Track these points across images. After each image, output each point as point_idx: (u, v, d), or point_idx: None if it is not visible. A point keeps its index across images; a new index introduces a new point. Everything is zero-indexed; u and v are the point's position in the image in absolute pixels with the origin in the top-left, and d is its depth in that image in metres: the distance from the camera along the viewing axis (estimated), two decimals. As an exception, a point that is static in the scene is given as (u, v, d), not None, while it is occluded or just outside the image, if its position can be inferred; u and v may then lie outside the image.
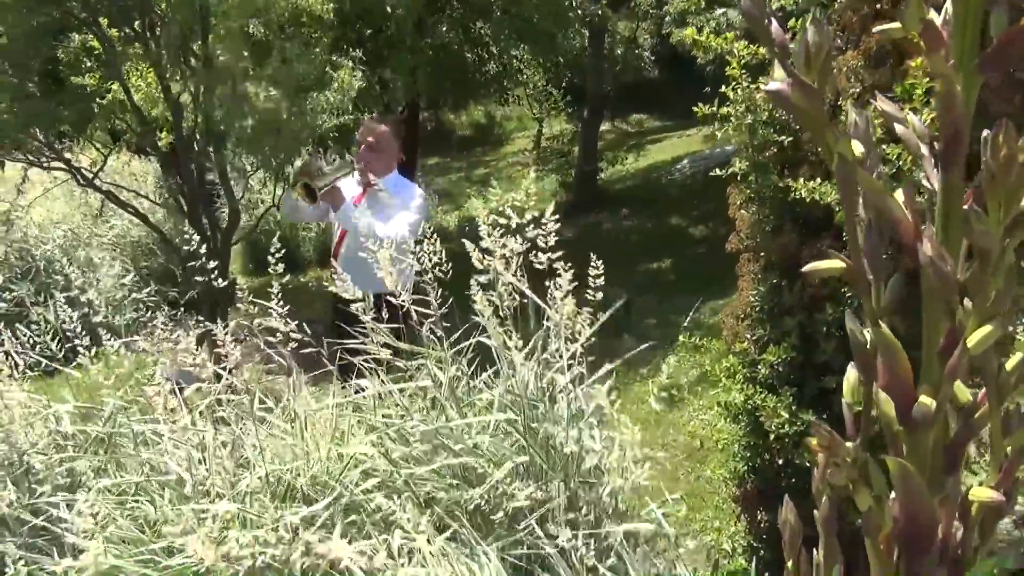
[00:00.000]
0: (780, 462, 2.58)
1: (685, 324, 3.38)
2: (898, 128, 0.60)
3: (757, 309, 2.54)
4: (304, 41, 4.67)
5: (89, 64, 4.97)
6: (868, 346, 0.65)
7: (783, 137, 2.16)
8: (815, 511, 0.73)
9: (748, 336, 2.58)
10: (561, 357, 1.80)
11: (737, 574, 2.33)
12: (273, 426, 1.90)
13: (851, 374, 0.66)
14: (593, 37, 9.19)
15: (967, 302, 0.60)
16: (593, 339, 1.95)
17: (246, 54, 4.56)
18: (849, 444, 0.62)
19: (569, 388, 1.79)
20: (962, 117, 0.56)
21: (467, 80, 7.03)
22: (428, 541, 1.46)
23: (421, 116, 10.37)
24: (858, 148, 0.61)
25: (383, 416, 1.85)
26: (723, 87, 2.18)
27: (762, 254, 2.42)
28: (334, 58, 5.09)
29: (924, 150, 0.62)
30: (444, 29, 6.23)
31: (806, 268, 0.61)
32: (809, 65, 0.57)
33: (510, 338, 1.83)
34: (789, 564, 0.81)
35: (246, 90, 4.56)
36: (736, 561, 2.99)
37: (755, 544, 2.94)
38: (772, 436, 2.48)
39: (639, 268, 7.71)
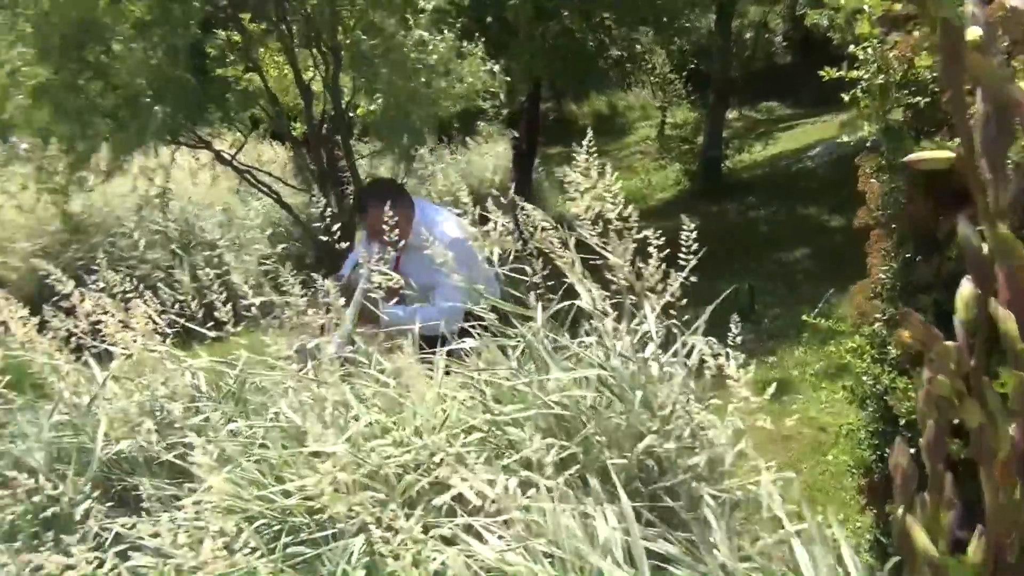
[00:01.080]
0: (912, 450, 2.42)
1: (815, 312, 3.22)
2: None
3: (888, 287, 2.38)
4: (432, 28, 4.78)
5: (232, 57, 5.31)
6: (985, 253, 0.59)
7: (918, 99, 2.02)
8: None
9: (878, 316, 2.43)
10: (647, 319, 1.77)
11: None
12: (382, 383, 1.97)
13: (965, 287, 0.61)
14: (720, 21, 8.91)
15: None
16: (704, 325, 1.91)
17: (375, 42, 4.72)
18: (950, 344, 0.57)
19: (658, 352, 1.76)
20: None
21: (588, 67, 6.97)
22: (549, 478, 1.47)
23: (543, 106, 10.42)
24: (974, 33, 0.56)
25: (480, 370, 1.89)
26: (852, 47, 2.06)
27: (894, 227, 2.27)
28: (463, 46, 5.18)
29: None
30: (565, 15, 6.21)
31: (908, 157, 0.57)
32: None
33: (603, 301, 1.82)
34: (899, 511, 0.76)
35: (374, 76, 4.73)
36: (862, 557, 2.83)
37: (883, 539, 2.77)
38: (903, 421, 2.33)
39: (767, 258, 7.43)
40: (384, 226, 2.91)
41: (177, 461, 1.92)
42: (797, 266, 7.22)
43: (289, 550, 1.65)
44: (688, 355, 1.95)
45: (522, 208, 2.32)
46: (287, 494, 1.70)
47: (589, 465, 1.71)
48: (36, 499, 1.81)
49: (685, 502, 1.71)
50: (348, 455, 1.56)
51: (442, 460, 1.62)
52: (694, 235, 1.98)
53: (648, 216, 2.04)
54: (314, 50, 5.13)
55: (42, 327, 2.26)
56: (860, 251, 2.86)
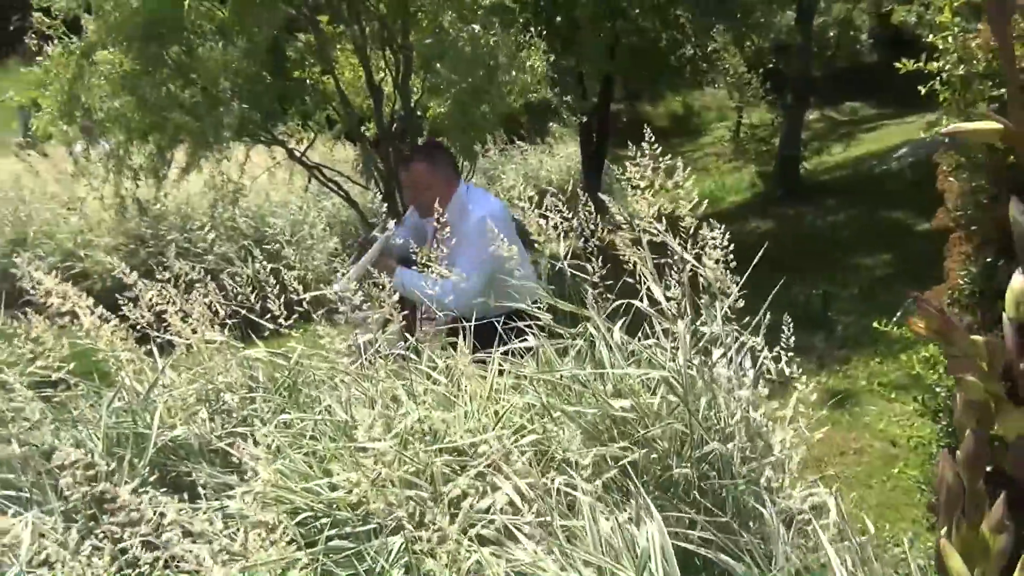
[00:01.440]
0: (988, 468, 2.27)
1: (893, 320, 3.05)
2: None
3: (967, 293, 2.24)
4: (495, 24, 4.78)
5: (311, 60, 5.42)
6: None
7: (1003, 91, 1.88)
8: None
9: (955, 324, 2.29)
10: (712, 322, 1.69)
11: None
12: (436, 381, 1.96)
13: (1017, 282, 0.54)
14: (801, 18, 8.63)
15: None
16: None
17: (441, 41, 4.74)
18: (979, 339, 0.51)
19: (724, 357, 1.68)
20: None
21: (660, 65, 6.84)
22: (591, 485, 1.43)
23: (616, 108, 10.29)
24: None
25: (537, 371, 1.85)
26: (930, 36, 1.94)
27: (975, 228, 2.13)
28: (525, 39, 5.16)
29: None
30: (636, 12, 6.12)
31: (946, 129, 0.51)
32: None
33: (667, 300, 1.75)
34: (943, 530, 0.69)
35: (440, 76, 4.76)
36: (933, 580, 2.68)
37: (957, 561, 2.61)
38: (980, 437, 2.18)
39: (845, 263, 7.15)
40: (421, 181, 2.95)
41: (231, 450, 1.96)
42: (877, 272, 6.92)
43: (332, 543, 1.65)
44: (753, 360, 1.88)
45: (585, 206, 2.28)
46: (333, 487, 1.70)
47: (645, 470, 1.65)
48: (95, 482, 1.87)
49: (743, 512, 1.64)
50: (393, 451, 1.55)
51: (491, 463, 1.59)
52: (766, 237, 1.90)
53: (720, 218, 1.98)
54: (387, 51, 5.20)
55: (122, 319, 2.35)
56: (944, 256, 2.70)
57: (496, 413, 1.82)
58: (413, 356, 2.14)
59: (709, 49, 7.41)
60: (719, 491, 1.58)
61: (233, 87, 4.55)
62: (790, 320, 1.91)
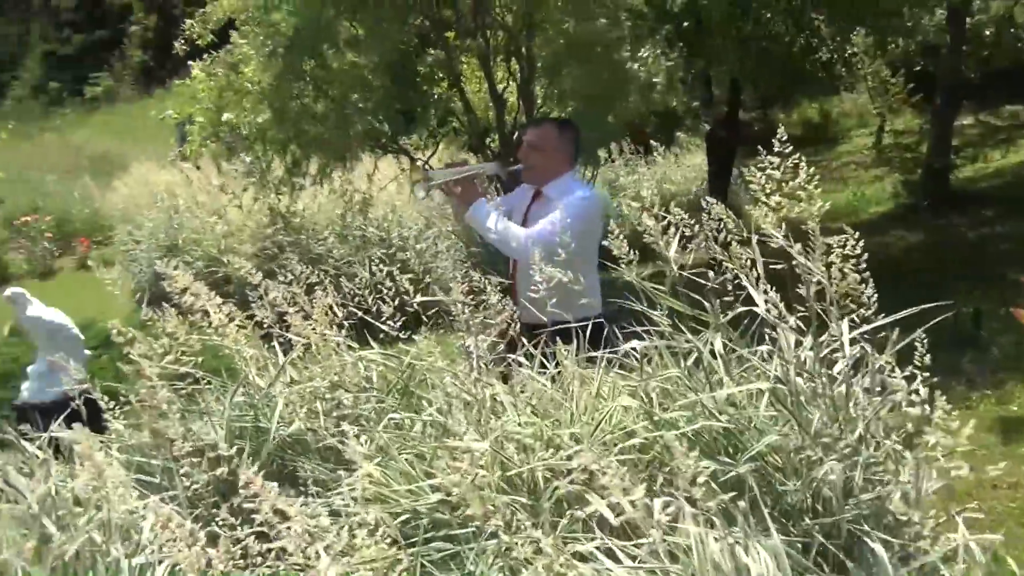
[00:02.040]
0: None
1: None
2: None
3: None
4: (624, 31, 4.73)
5: (439, 75, 5.58)
6: None
7: None
8: None
9: None
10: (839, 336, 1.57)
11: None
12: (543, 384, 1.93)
13: None
14: (953, 16, 8.02)
15: None
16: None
17: (566, 48, 4.75)
18: None
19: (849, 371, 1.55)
20: None
21: (793, 70, 6.54)
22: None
23: (746, 117, 9.96)
24: None
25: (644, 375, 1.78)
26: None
27: None
28: (658, 52, 5.08)
29: None
30: (768, 16, 5.88)
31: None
32: None
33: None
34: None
35: (564, 82, 4.77)
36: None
37: None
38: None
39: (1003, 279, 6.55)
40: (543, 143, 2.95)
41: (342, 447, 2.00)
42: (1042, 290, 6.31)
43: (432, 544, 1.65)
44: (882, 380, 1.73)
45: (708, 214, 2.21)
46: (435, 489, 1.71)
47: (754, 489, 1.56)
48: (217, 472, 1.96)
49: (862, 546, 1.51)
50: (491, 455, 1.53)
51: (590, 473, 1.55)
52: (911, 250, 1.76)
53: (860, 230, 1.85)
54: (510, 61, 5.27)
55: (248, 317, 2.48)
56: None
57: (595, 419, 1.77)
58: (522, 359, 2.12)
59: (848, 52, 7.00)
60: (834, 518, 1.46)
61: (363, 100, 4.74)
62: (926, 336, 1.75)
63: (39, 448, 1.97)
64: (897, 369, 1.72)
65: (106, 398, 2.09)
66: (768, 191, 1.82)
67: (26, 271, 9.61)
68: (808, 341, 1.70)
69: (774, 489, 1.50)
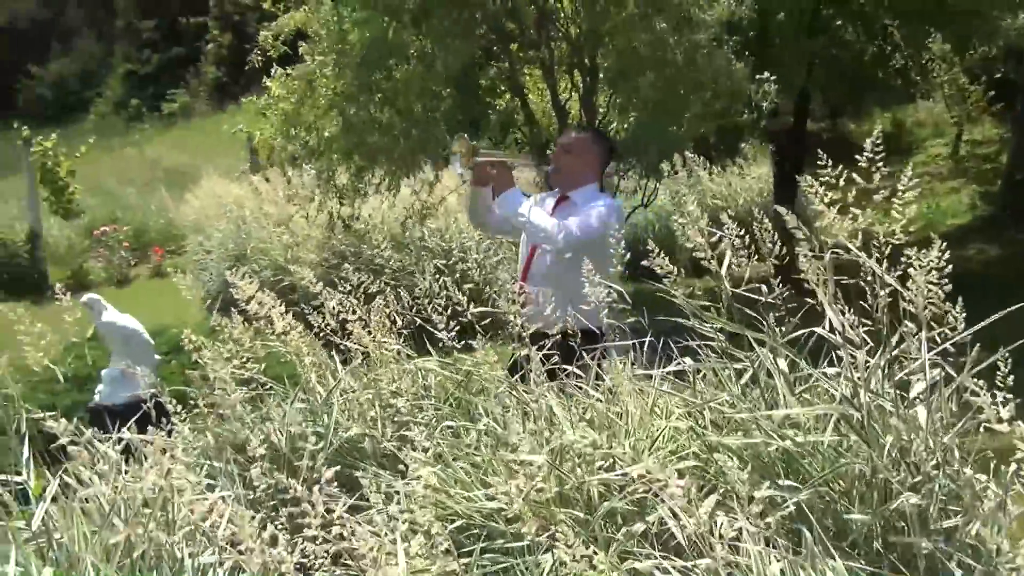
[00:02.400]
0: None
1: None
2: None
3: None
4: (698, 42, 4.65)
5: (502, 87, 5.61)
6: None
7: None
8: None
9: None
10: (919, 352, 1.50)
11: None
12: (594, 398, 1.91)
13: None
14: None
15: None
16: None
17: (631, 61, 4.70)
18: None
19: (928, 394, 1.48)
20: None
21: (865, 79, 6.34)
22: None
23: (815, 126, 9.69)
24: None
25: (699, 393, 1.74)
26: None
27: None
28: (732, 62, 4.99)
29: None
30: (838, 23, 5.72)
31: None
32: None
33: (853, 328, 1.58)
34: None
35: (627, 93, 4.72)
36: None
37: None
38: None
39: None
40: (576, 148, 2.96)
41: (399, 454, 2.01)
42: None
43: (487, 555, 1.64)
44: (962, 401, 1.65)
45: (770, 226, 2.16)
46: (490, 499, 1.70)
47: (816, 511, 1.50)
48: (277, 476, 1.99)
49: (939, 573, 1.43)
50: (546, 467, 1.52)
51: (649, 488, 1.51)
52: (991, 264, 1.68)
53: (933, 243, 1.78)
54: (574, 72, 5.25)
55: (307, 326, 2.52)
56: None
57: (650, 436, 1.73)
58: (579, 373, 2.10)
59: (924, 60, 6.75)
60: (908, 546, 1.39)
61: (428, 111, 4.79)
62: (1008, 355, 1.66)
63: (110, 450, 2.03)
64: (979, 389, 1.63)
65: (174, 401, 2.15)
66: (839, 201, 1.76)
67: (104, 279, 10.01)
68: (879, 359, 1.63)
69: (839, 514, 1.44)
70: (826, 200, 1.72)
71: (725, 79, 4.60)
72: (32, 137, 10.15)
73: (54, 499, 1.74)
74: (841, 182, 1.83)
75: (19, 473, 1.78)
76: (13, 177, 13.30)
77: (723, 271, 1.81)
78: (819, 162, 1.87)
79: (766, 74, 4.89)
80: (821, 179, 1.79)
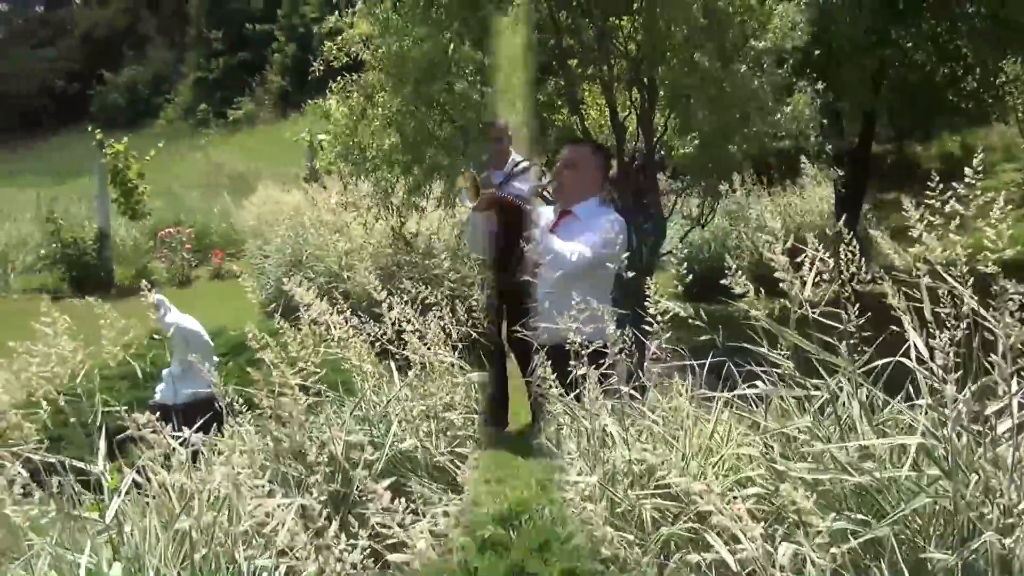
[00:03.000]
0: None
1: None
2: None
3: None
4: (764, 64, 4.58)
5: (560, 102, 5.62)
6: None
7: None
8: None
9: None
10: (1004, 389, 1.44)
11: None
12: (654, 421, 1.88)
13: None
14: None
15: None
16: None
17: (694, 78, 4.66)
18: None
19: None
20: None
21: (935, 101, 6.16)
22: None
23: (880, 149, 9.46)
24: None
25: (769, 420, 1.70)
26: None
27: None
28: (794, 83, 4.92)
29: None
30: (908, 44, 5.58)
31: None
32: None
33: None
34: None
35: (687, 114, 4.68)
36: None
37: None
38: None
39: None
40: (579, 162, 3.08)
41: (450, 467, 2.03)
42: None
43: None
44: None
45: (847, 247, 2.12)
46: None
47: (889, 551, 1.44)
48: (333, 483, 2.02)
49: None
50: (598, 488, 1.50)
51: (702, 516, 1.49)
52: None
53: (1009, 272, 1.74)
54: (632, 90, 5.23)
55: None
56: None
57: (712, 461, 1.70)
58: (636, 394, 2.08)
59: (998, 81, 6.53)
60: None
61: (483, 124, 4.82)
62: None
63: (174, 449, 2.07)
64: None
65: (240, 400, 2.19)
66: (926, 226, 1.72)
67: (166, 279, 10.30)
68: (967, 392, 1.57)
69: (915, 551, 1.39)
70: (922, 224, 1.68)
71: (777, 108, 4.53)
72: (105, 140, 10.53)
73: (126, 492, 1.78)
74: (947, 207, 1.80)
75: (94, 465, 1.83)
76: (85, 179, 13.83)
77: (806, 293, 1.76)
78: (921, 185, 1.84)
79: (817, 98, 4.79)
80: (923, 202, 1.75)
